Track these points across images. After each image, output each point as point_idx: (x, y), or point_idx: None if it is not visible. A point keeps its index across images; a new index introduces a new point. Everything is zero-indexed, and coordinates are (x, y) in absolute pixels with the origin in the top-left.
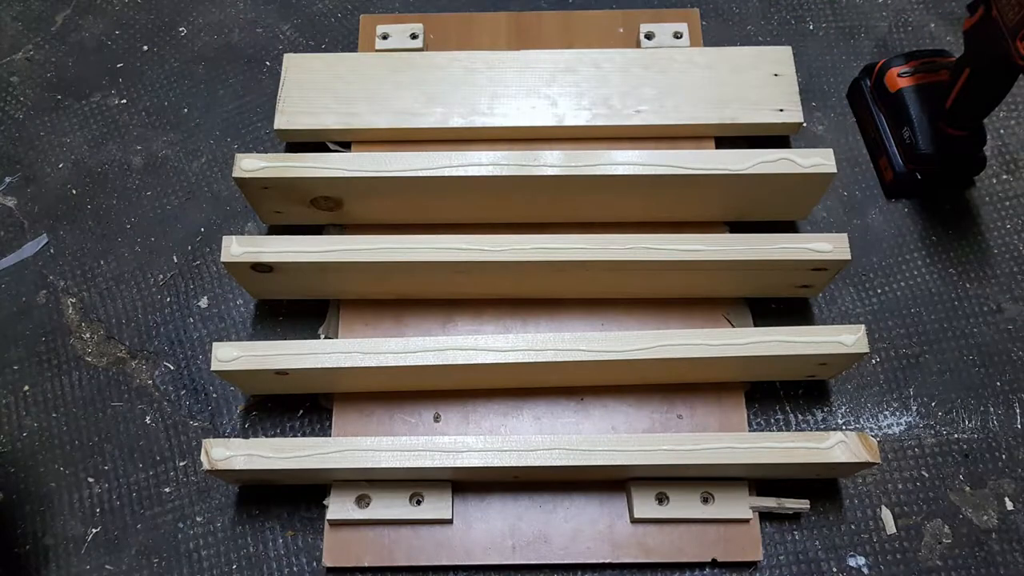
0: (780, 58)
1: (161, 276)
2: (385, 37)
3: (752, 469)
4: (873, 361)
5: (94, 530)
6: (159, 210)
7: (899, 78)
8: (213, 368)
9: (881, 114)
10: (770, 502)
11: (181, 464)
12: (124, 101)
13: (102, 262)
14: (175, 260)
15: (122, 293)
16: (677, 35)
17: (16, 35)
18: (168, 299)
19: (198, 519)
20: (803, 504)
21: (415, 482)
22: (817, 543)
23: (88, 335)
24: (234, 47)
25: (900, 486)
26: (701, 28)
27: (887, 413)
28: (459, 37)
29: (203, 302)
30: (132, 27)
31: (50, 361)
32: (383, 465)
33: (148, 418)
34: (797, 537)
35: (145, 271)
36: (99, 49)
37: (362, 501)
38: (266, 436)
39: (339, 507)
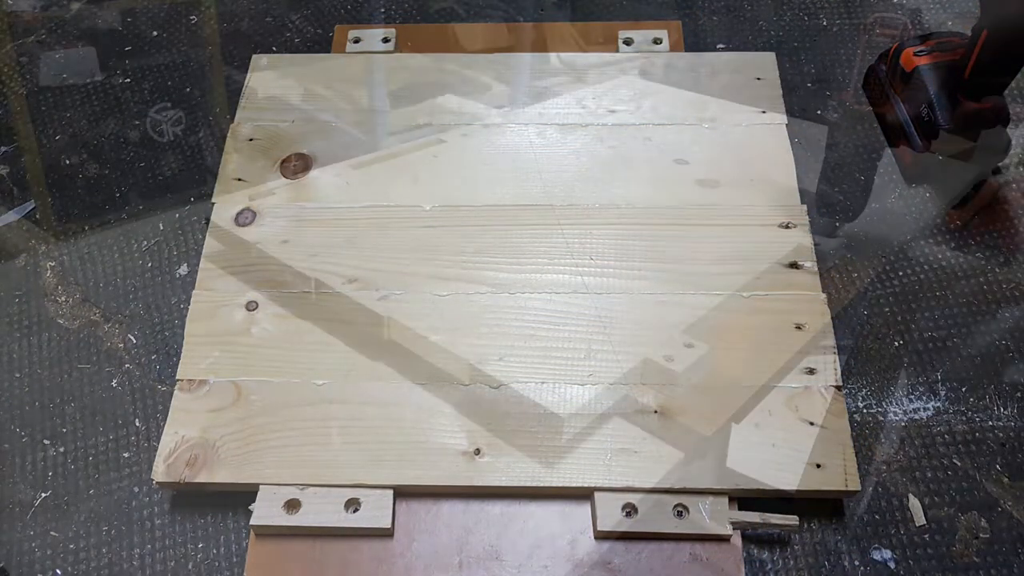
0: (763, 63)
1: (145, 242)
2: (356, 41)
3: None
4: (896, 344)
5: (43, 495)
6: (151, 180)
7: (915, 57)
8: None
9: (898, 97)
10: (753, 517)
11: (143, 428)
12: (128, 80)
13: (86, 227)
14: (161, 227)
15: (103, 257)
16: (656, 41)
17: (32, 21)
18: (149, 264)
19: (155, 485)
20: (791, 520)
21: (353, 486)
22: (837, 534)
23: (64, 298)
24: (243, 34)
25: (930, 474)
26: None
27: (912, 397)
28: (436, 48)
29: (183, 269)
30: (145, 15)
31: (20, 323)
32: None
33: (114, 381)
34: (814, 526)
35: (129, 237)
36: (110, 34)
37: (292, 507)
38: None
39: (266, 511)
